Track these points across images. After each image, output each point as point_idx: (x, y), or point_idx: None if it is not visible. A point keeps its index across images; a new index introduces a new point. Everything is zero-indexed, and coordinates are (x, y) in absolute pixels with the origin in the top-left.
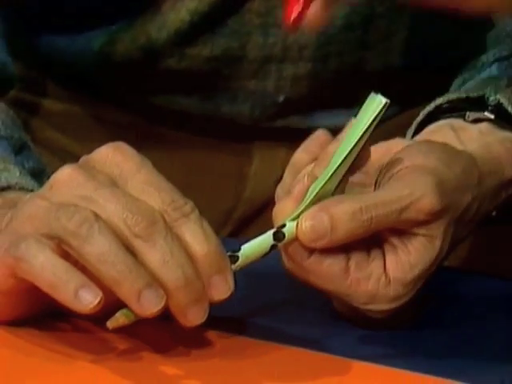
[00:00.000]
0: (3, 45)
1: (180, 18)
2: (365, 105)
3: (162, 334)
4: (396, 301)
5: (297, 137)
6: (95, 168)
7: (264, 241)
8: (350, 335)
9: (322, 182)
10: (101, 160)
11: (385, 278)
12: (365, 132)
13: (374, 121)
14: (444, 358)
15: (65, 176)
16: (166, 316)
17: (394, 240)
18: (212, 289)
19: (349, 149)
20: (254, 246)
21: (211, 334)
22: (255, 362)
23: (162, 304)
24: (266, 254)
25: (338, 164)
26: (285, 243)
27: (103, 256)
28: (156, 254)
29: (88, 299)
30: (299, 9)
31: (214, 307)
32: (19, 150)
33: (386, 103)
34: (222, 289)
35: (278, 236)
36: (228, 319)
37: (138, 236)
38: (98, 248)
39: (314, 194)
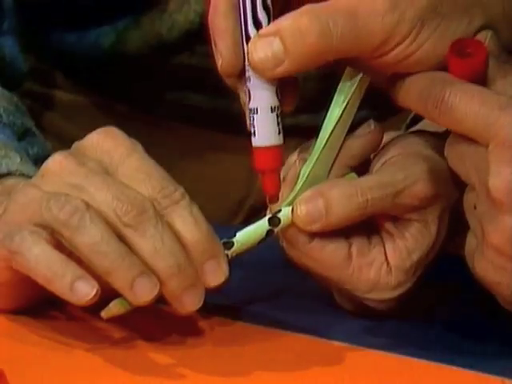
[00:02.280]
0: (14, 41)
1: (190, 19)
2: (341, 82)
3: (158, 321)
4: (397, 289)
5: (305, 134)
6: (86, 155)
7: (259, 227)
8: (349, 323)
9: (312, 163)
10: (92, 146)
11: (386, 266)
12: (345, 108)
13: (353, 95)
14: (445, 345)
15: (56, 164)
16: (160, 300)
17: (390, 227)
18: (206, 275)
19: (332, 127)
20: (250, 232)
21: (208, 322)
22: (253, 348)
23: (156, 292)
24: (263, 240)
25: (324, 143)
26: (281, 228)
27: (95, 246)
28: (147, 243)
29: (84, 291)
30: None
31: (212, 295)
32: (23, 136)
33: (363, 75)
34: (216, 274)
35: (274, 221)
36: (225, 307)
37: (128, 225)
38: (90, 238)
39: (306, 175)
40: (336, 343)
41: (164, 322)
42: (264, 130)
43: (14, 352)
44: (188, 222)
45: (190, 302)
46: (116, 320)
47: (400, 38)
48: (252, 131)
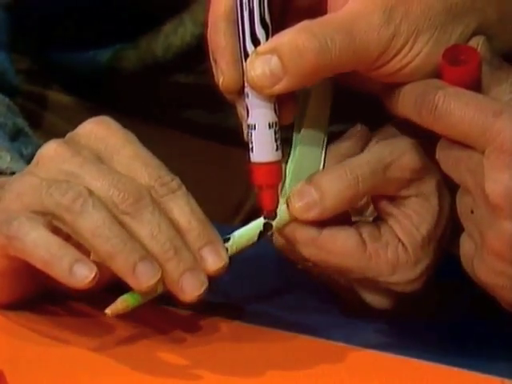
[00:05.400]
0: (6, 55)
1: (186, 41)
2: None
3: (157, 321)
4: (418, 265)
5: None
6: (80, 143)
7: (256, 223)
8: (350, 323)
9: (295, 158)
10: (85, 135)
11: (402, 246)
12: (315, 102)
13: (322, 90)
14: (445, 346)
15: (50, 151)
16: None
17: (393, 210)
18: (205, 260)
19: (303, 121)
20: (247, 229)
21: (208, 322)
22: (253, 348)
23: (158, 276)
24: (262, 235)
25: (299, 138)
26: (278, 225)
27: (97, 230)
28: (144, 229)
29: (83, 274)
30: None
31: (211, 295)
32: (16, 136)
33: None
34: (214, 259)
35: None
36: (225, 307)
37: (126, 212)
38: (93, 222)
39: (291, 170)
40: (336, 343)
41: (164, 322)
42: (262, 146)
43: (14, 352)
44: (185, 211)
45: (190, 286)
46: (116, 320)
47: (396, 51)
48: (250, 147)
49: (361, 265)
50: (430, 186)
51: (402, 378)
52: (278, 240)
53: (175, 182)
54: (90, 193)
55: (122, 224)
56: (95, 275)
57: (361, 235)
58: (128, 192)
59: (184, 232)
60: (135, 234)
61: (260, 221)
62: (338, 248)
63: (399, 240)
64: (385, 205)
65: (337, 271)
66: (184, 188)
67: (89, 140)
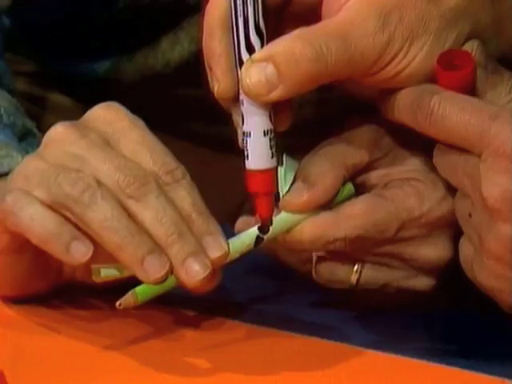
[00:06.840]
0: (3, 62)
1: (185, 59)
2: None
3: (158, 321)
4: (437, 184)
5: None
6: (88, 126)
7: (251, 231)
8: (350, 323)
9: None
10: (93, 118)
11: (413, 179)
12: None
13: None
14: (445, 346)
15: (58, 134)
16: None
17: (382, 173)
18: (206, 249)
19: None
20: (242, 235)
21: (208, 322)
22: (253, 348)
23: (166, 269)
24: (258, 242)
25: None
26: (281, 232)
27: (106, 222)
28: (150, 213)
29: (80, 251)
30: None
31: (212, 294)
32: (23, 136)
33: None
34: (215, 247)
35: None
36: (230, 306)
37: (131, 197)
38: (101, 214)
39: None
40: (336, 343)
41: (164, 322)
42: (257, 154)
43: (14, 352)
44: (187, 202)
45: (194, 270)
46: (119, 320)
47: (391, 57)
48: (245, 154)
49: (390, 211)
50: (391, 137)
51: (401, 378)
52: (320, 273)
53: (180, 171)
54: (99, 184)
55: (126, 208)
56: (92, 254)
57: (374, 193)
58: (134, 176)
59: (186, 220)
60: (140, 217)
61: (255, 228)
62: (361, 209)
63: (407, 179)
64: (373, 178)
65: (379, 232)
66: (188, 177)
67: (97, 123)
